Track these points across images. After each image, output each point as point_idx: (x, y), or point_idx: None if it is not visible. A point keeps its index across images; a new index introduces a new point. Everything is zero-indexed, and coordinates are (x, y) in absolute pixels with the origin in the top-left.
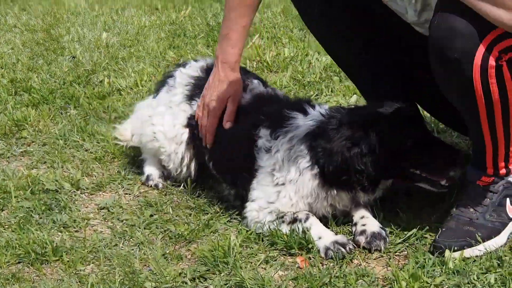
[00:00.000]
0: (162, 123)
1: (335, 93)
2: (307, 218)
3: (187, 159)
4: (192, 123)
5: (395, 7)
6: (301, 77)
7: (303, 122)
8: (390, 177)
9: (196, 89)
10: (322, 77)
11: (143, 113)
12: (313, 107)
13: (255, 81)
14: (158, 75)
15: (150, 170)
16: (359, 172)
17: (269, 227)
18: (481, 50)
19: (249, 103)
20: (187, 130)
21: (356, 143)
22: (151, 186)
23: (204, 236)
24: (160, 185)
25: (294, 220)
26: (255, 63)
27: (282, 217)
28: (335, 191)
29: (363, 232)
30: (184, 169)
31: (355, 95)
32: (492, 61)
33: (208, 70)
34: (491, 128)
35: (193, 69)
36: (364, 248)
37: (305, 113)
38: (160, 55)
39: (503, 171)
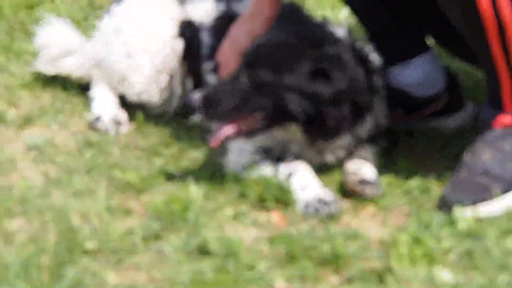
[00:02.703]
0: (139, 34)
1: (322, 5)
2: (296, 157)
3: (179, 73)
4: (187, 32)
5: None
6: None
7: None
8: None
9: None
10: None
11: (105, 29)
12: None
13: None
14: None
15: (102, 109)
16: None
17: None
18: None
19: None
20: (181, 40)
21: None
22: (99, 130)
23: (158, 185)
24: (112, 132)
25: (281, 158)
26: None
27: (269, 151)
28: None
29: (356, 172)
30: (178, 89)
31: (345, 9)
32: None
33: None
34: (507, 57)
35: None
36: (349, 189)
37: None
38: None
39: None
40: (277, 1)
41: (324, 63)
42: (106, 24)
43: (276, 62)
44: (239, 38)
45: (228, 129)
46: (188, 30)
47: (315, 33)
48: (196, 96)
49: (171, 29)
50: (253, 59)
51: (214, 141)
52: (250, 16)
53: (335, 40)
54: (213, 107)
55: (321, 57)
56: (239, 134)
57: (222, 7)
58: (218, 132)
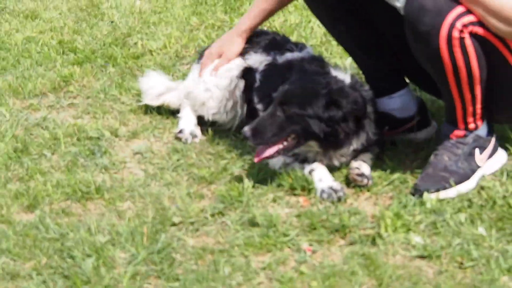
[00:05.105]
0: (214, 75)
1: (333, 55)
2: (314, 161)
3: (240, 101)
4: (247, 74)
5: None
6: (304, 41)
7: None
8: None
9: (249, 45)
10: (322, 41)
11: (195, 71)
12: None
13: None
14: (184, 39)
15: (184, 125)
16: None
17: (284, 163)
18: (446, 24)
19: None
20: (242, 79)
21: None
22: (180, 139)
23: (222, 178)
24: (189, 141)
25: (305, 160)
26: (265, 28)
27: (297, 156)
28: None
29: (358, 168)
30: (239, 111)
31: (350, 58)
32: (455, 33)
33: (260, 33)
34: (459, 90)
35: None
36: (351, 179)
37: None
38: (185, 21)
39: (471, 126)
40: (243, 34)
41: (333, 95)
42: (196, 67)
43: (301, 100)
44: (211, 49)
45: (270, 150)
46: (247, 73)
47: (324, 79)
48: (246, 129)
49: (236, 72)
50: (284, 99)
51: (259, 159)
52: (222, 38)
53: (337, 82)
54: (259, 136)
55: (330, 92)
56: (277, 152)
57: (269, 58)
58: (261, 152)
